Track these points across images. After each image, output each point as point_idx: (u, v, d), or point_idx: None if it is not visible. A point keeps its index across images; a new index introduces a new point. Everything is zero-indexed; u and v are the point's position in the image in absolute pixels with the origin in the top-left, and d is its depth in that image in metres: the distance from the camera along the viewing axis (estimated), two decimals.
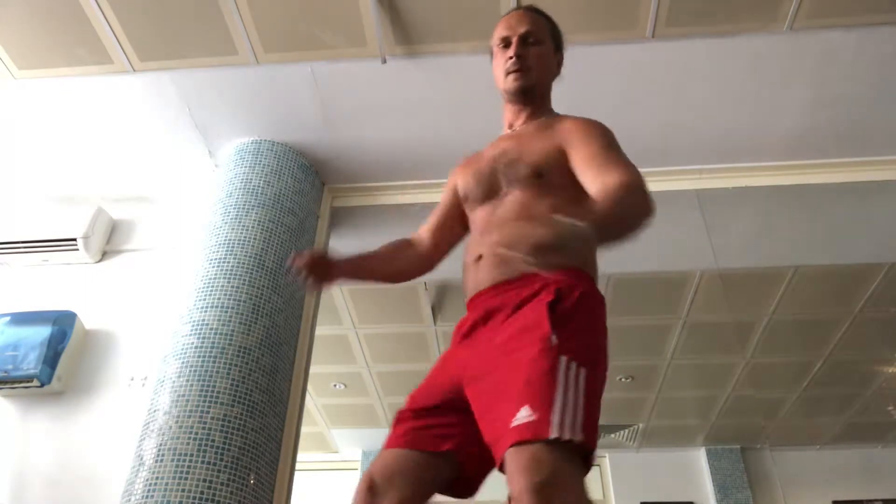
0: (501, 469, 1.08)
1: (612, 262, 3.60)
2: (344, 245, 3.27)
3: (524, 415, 1.05)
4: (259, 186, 2.76)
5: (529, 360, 1.12)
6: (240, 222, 2.65)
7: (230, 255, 2.55)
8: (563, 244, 1.05)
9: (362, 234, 3.27)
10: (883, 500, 5.54)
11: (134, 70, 2.66)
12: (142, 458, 2.15)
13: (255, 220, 2.65)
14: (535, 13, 1.63)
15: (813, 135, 2.86)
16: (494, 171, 1.47)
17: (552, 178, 1.40)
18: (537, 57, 1.56)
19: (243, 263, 2.53)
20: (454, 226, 1.62)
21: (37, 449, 2.53)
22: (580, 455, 1.05)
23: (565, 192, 1.38)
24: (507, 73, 1.54)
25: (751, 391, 5.06)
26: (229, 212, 2.70)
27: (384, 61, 2.57)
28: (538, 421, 1.03)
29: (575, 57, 2.58)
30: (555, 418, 1.03)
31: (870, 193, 3.14)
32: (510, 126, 1.60)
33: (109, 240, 3.06)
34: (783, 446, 5.85)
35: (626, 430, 5.71)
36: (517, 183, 1.42)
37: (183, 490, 2.04)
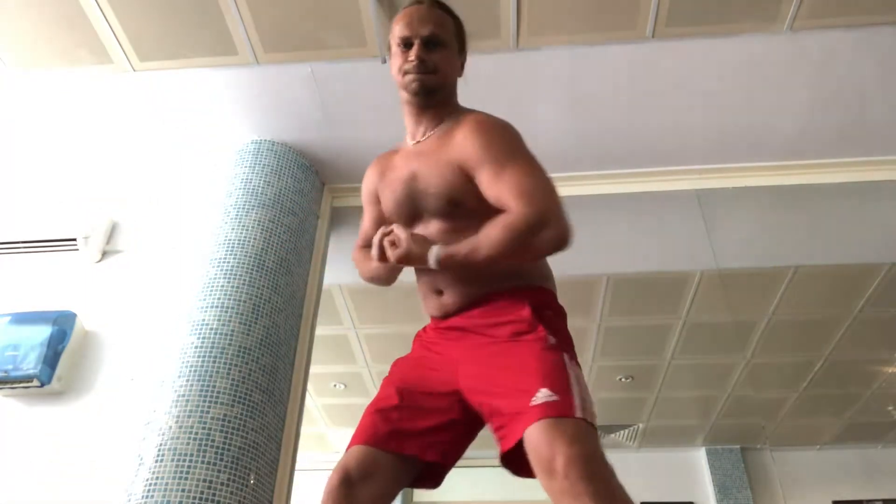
0: (503, 444, 1.17)
1: (612, 261, 3.63)
2: (344, 245, 3.27)
3: (545, 394, 1.12)
4: (259, 186, 2.76)
5: (535, 353, 1.21)
6: (240, 222, 2.65)
7: (230, 255, 2.55)
8: (409, 263, 1.29)
9: None
10: (883, 500, 5.54)
11: (134, 70, 2.66)
12: (142, 458, 2.15)
13: (255, 220, 2.65)
14: (439, 10, 1.50)
15: (813, 135, 2.86)
16: (409, 199, 1.41)
17: (467, 204, 1.34)
18: (440, 60, 1.44)
19: (243, 263, 2.53)
20: None
21: (37, 449, 2.53)
22: None
23: (483, 217, 1.27)
24: (406, 74, 1.43)
25: (751, 391, 5.06)
26: (229, 212, 2.70)
27: (384, 61, 2.57)
28: (561, 402, 1.12)
29: (575, 57, 2.59)
30: (576, 402, 1.13)
31: (870, 193, 3.14)
32: (414, 136, 1.49)
33: (109, 240, 3.06)
34: (783, 446, 5.85)
35: (626, 430, 5.71)
36: (435, 214, 1.38)
37: (183, 490, 2.03)
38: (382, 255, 1.30)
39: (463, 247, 1.25)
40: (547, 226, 1.22)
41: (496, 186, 1.29)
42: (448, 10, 1.52)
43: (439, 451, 1.28)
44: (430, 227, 1.38)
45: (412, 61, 1.42)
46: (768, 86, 2.68)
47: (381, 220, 1.52)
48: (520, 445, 1.17)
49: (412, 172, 1.42)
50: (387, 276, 1.49)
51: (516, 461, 1.20)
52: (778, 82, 2.67)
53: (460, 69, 1.54)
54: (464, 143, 1.35)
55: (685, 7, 2.41)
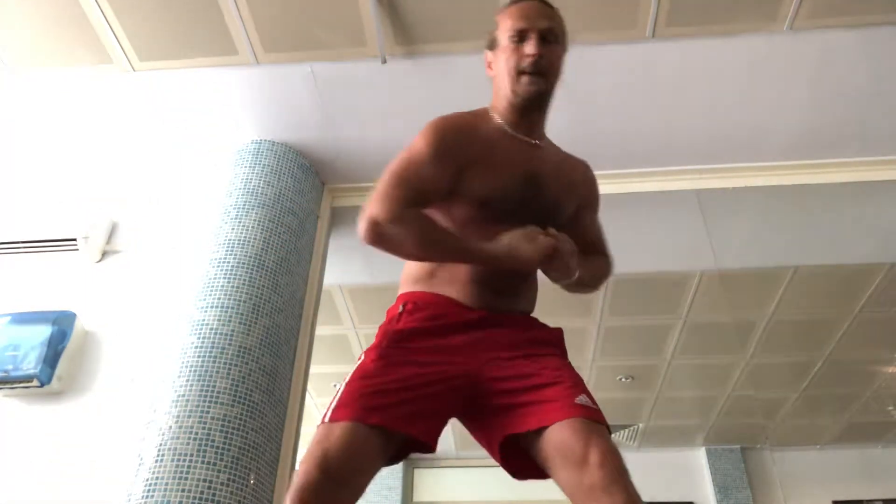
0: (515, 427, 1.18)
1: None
2: (344, 245, 3.27)
3: (585, 400, 1.17)
4: (259, 186, 2.76)
5: (566, 366, 1.28)
6: (240, 222, 2.65)
7: (230, 255, 2.55)
8: (559, 267, 1.28)
9: None
10: (883, 500, 5.54)
11: (134, 70, 2.66)
12: (142, 458, 2.15)
13: (255, 220, 2.65)
14: (552, 8, 1.43)
15: (813, 135, 2.86)
16: (529, 197, 1.33)
17: (562, 227, 1.36)
18: (555, 59, 1.39)
19: (243, 263, 2.53)
20: (438, 201, 1.34)
21: (37, 449, 2.53)
22: None
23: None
24: (522, 74, 1.34)
25: (751, 391, 5.06)
26: (229, 212, 2.70)
27: (384, 61, 2.57)
28: (598, 411, 1.17)
29: (575, 57, 2.59)
30: (604, 417, 1.18)
31: (870, 193, 3.14)
32: (516, 127, 1.39)
33: (109, 240, 3.06)
34: (783, 446, 5.85)
35: (626, 430, 5.71)
36: (538, 221, 1.30)
37: (183, 490, 2.03)
38: (552, 256, 1.23)
39: (587, 270, 1.38)
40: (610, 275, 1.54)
41: (594, 232, 1.55)
42: (558, 11, 1.45)
43: (436, 435, 1.21)
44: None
45: (530, 56, 1.33)
46: (768, 86, 2.68)
47: (447, 187, 1.31)
48: (516, 443, 1.17)
49: (536, 172, 1.36)
50: (523, 266, 1.28)
51: (513, 451, 1.21)
52: (778, 82, 2.67)
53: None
54: (589, 185, 1.55)
55: (685, 7, 2.41)
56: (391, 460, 1.22)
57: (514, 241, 1.24)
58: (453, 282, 1.31)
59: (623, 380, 4.99)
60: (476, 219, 1.32)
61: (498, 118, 1.41)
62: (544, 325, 1.37)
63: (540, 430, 1.14)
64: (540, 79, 1.35)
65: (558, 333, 1.36)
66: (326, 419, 1.15)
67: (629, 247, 3.54)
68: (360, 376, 1.21)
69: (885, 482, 5.57)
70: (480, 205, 1.31)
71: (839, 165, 2.98)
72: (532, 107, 1.39)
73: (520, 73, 1.35)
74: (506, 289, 1.33)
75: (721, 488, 5.66)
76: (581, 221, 1.48)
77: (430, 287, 1.32)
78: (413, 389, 1.18)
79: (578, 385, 1.21)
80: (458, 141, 1.33)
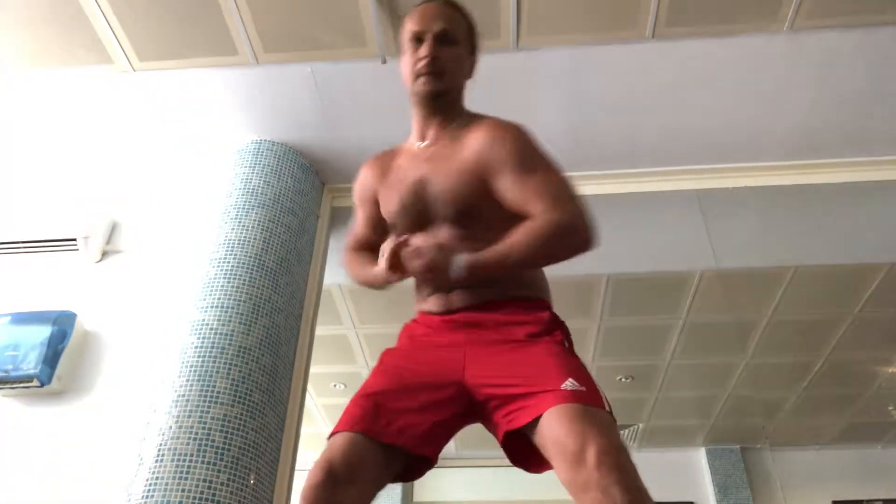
0: (509, 423, 1.16)
1: (612, 262, 3.64)
2: (344, 245, 3.27)
3: (572, 384, 1.12)
4: (259, 186, 2.76)
5: (555, 351, 1.22)
6: (240, 222, 2.65)
7: (230, 255, 2.55)
8: (441, 273, 1.21)
9: None
10: (883, 500, 5.54)
11: (134, 70, 2.66)
12: (142, 458, 2.15)
13: (255, 220, 2.65)
14: (452, 8, 1.45)
15: (813, 135, 2.86)
16: (418, 204, 1.37)
17: (481, 210, 1.33)
18: (452, 59, 1.40)
19: (243, 263, 2.53)
20: (383, 232, 1.46)
21: (37, 449, 2.53)
22: None
23: (497, 227, 1.27)
24: (418, 76, 1.39)
25: (751, 391, 5.06)
26: (229, 212, 2.70)
27: (384, 61, 2.57)
28: (588, 392, 1.13)
29: (575, 57, 2.59)
30: (602, 396, 1.14)
31: (870, 193, 3.14)
32: (422, 137, 1.45)
33: (109, 240, 3.06)
34: (783, 446, 5.85)
35: (626, 430, 5.71)
36: (446, 220, 1.34)
37: (183, 490, 2.03)
38: (395, 266, 1.22)
39: (490, 255, 1.21)
40: (575, 229, 1.24)
41: (521, 191, 1.28)
42: (461, 11, 1.47)
43: (432, 446, 1.23)
44: (440, 234, 1.33)
45: (423, 58, 1.38)
46: (768, 86, 2.68)
47: (376, 223, 1.50)
48: (523, 435, 1.16)
49: (422, 177, 1.38)
50: (384, 283, 1.34)
51: (516, 448, 1.20)
52: (778, 82, 2.67)
53: (470, 71, 1.49)
54: (483, 147, 1.33)
55: (685, 7, 2.41)
56: (399, 477, 1.26)
57: (376, 266, 1.32)
58: (422, 295, 1.40)
59: (623, 380, 4.99)
60: (398, 237, 1.36)
61: (411, 135, 1.50)
62: (529, 310, 1.30)
63: (533, 423, 1.12)
64: (434, 79, 1.38)
65: (543, 317, 1.29)
66: (336, 430, 1.22)
67: (629, 247, 3.55)
68: (361, 389, 1.28)
69: (885, 482, 5.58)
70: (392, 226, 1.44)
71: (839, 165, 2.98)
72: (431, 107, 1.43)
73: (416, 74, 1.40)
74: (455, 284, 1.30)
75: (721, 488, 5.66)
76: (501, 193, 1.31)
77: (419, 305, 1.42)
78: (400, 402, 1.23)
79: (565, 368, 1.16)
80: (364, 181, 1.53)
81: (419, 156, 1.43)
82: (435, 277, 1.23)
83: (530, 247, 1.22)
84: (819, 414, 5.39)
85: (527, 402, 1.14)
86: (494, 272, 1.25)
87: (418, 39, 1.41)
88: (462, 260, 1.20)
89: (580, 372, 1.17)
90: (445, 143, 1.41)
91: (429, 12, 1.43)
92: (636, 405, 5.35)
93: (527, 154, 1.32)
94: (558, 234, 1.23)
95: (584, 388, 1.12)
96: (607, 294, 3.98)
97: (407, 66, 1.43)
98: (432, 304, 1.35)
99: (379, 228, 1.50)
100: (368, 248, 1.52)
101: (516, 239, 1.22)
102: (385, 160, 1.50)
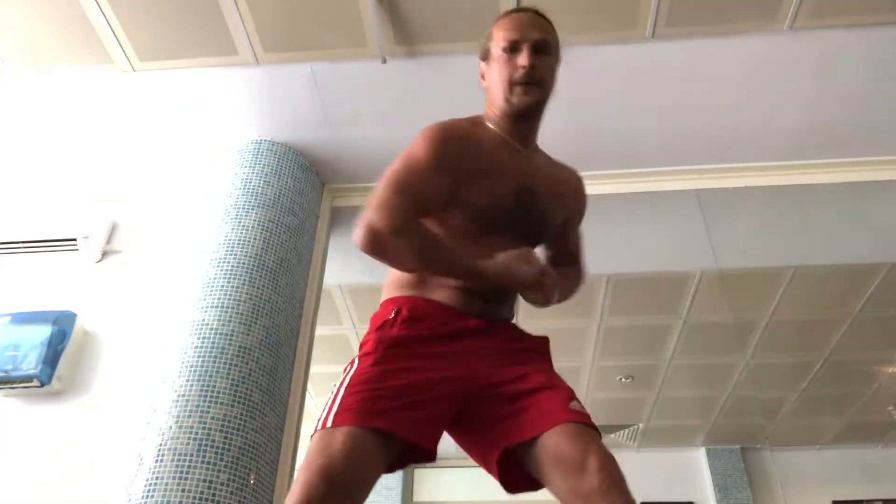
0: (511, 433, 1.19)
1: (612, 262, 3.63)
2: (344, 245, 3.27)
3: (578, 406, 1.19)
4: (259, 186, 2.76)
5: (552, 371, 1.30)
6: (240, 222, 2.65)
7: (230, 255, 2.55)
8: (549, 290, 1.29)
9: None
10: (883, 500, 5.54)
11: (134, 70, 2.66)
12: (142, 458, 2.15)
13: (255, 220, 2.65)
14: (546, 20, 1.44)
15: (813, 135, 2.86)
16: (520, 208, 1.34)
17: (548, 238, 1.49)
18: (548, 70, 1.40)
19: (243, 263, 2.53)
20: (437, 209, 1.34)
21: (37, 449, 2.53)
22: None
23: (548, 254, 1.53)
24: (516, 84, 1.35)
25: (751, 391, 5.06)
26: (229, 212, 2.70)
27: (384, 61, 2.57)
28: (589, 416, 1.19)
29: (575, 57, 2.59)
30: (593, 423, 1.19)
31: (870, 193, 3.14)
32: (509, 134, 1.41)
33: (109, 240, 3.06)
34: (783, 446, 5.85)
35: (626, 430, 5.71)
36: (526, 230, 1.37)
37: (183, 490, 2.04)
38: (541, 287, 1.27)
39: (566, 286, 1.41)
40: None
41: (575, 242, 1.56)
42: (551, 23, 1.45)
43: (429, 437, 1.19)
44: (516, 243, 1.32)
45: (523, 67, 1.34)
46: (768, 86, 2.68)
47: (446, 197, 1.31)
48: (511, 458, 1.18)
49: (529, 184, 1.36)
50: (453, 275, 1.28)
51: (508, 469, 1.21)
52: (778, 82, 2.67)
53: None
54: (578, 195, 1.54)
55: (685, 7, 2.41)
56: (389, 468, 1.21)
57: (510, 262, 1.25)
58: (444, 287, 1.30)
59: (623, 380, 4.98)
60: (470, 229, 1.32)
61: (494, 127, 1.42)
62: (529, 334, 1.38)
63: (535, 438, 1.15)
64: (534, 89, 1.37)
65: (544, 342, 1.37)
66: (327, 425, 1.12)
67: (629, 247, 3.55)
68: (359, 381, 1.18)
69: (885, 482, 5.58)
70: (475, 216, 1.32)
71: (839, 165, 2.98)
72: (526, 117, 1.41)
73: (513, 83, 1.36)
74: (495, 297, 1.34)
75: (721, 488, 5.66)
76: (565, 232, 1.52)
77: (421, 292, 1.31)
78: (414, 395, 1.17)
79: (569, 390, 1.23)
80: (458, 150, 1.33)
81: (522, 161, 1.40)
82: (545, 302, 1.30)
83: (573, 289, 1.50)
84: (819, 414, 5.39)
85: (535, 415, 1.17)
86: (558, 299, 1.36)
87: (514, 48, 1.37)
88: (556, 289, 1.31)
89: (575, 394, 1.24)
90: (543, 162, 1.47)
91: (525, 21, 1.41)
92: (636, 405, 5.35)
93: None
94: (579, 287, 1.54)
95: (585, 411, 1.19)
96: (607, 294, 3.98)
97: (501, 74, 1.38)
98: (464, 302, 1.30)
99: (440, 205, 1.32)
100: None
101: (571, 280, 1.49)
102: (473, 138, 1.37)
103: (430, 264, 1.28)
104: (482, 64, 1.47)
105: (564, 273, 1.46)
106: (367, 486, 1.12)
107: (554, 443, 1.13)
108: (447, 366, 1.23)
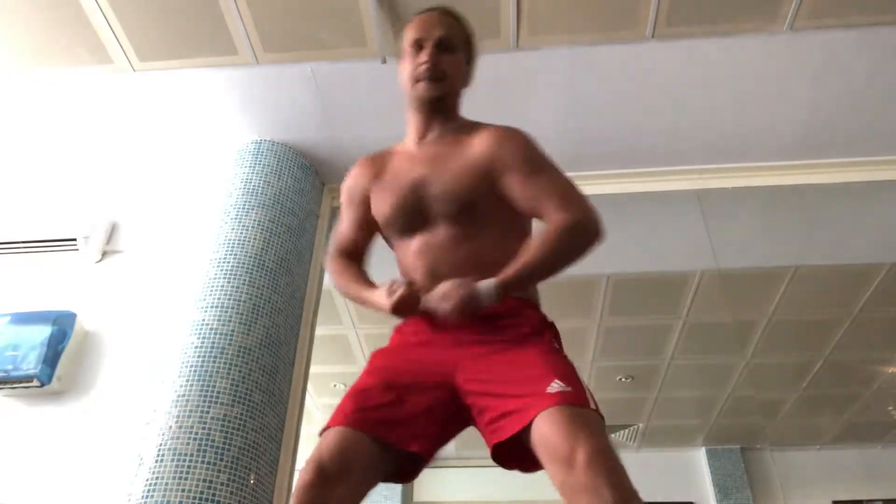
0: (503, 431, 1.16)
1: (612, 262, 3.63)
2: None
3: (559, 385, 1.13)
4: (259, 186, 2.76)
5: (543, 353, 1.24)
6: (240, 222, 2.65)
7: (230, 255, 2.55)
8: (475, 307, 1.22)
9: None
10: (883, 500, 5.54)
11: (134, 70, 2.66)
12: (142, 458, 2.15)
13: (255, 220, 2.65)
14: (452, 17, 1.51)
15: (813, 135, 2.86)
16: (417, 203, 1.37)
17: (481, 209, 1.36)
18: (451, 65, 1.45)
19: (243, 263, 2.53)
20: (370, 235, 1.52)
21: (37, 449, 2.53)
22: None
23: (495, 227, 1.35)
24: (418, 81, 1.43)
25: (751, 391, 5.06)
26: (229, 212, 2.70)
27: (384, 61, 2.57)
28: (575, 393, 1.13)
29: (575, 57, 2.59)
30: (588, 395, 1.15)
31: (870, 193, 3.14)
32: (417, 139, 1.48)
33: (109, 240, 3.06)
34: (783, 446, 5.85)
35: (626, 430, 5.71)
36: (445, 219, 1.36)
37: (183, 490, 2.04)
38: (404, 310, 1.28)
39: (518, 270, 1.25)
40: (588, 226, 1.30)
41: (530, 189, 1.34)
42: (461, 20, 1.52)
43: (422, 443, 1.22)
44: (437, 235, 1.36)
45: (423, 63, 1.42)
46: (768, 86, 2.68)
47: (364, 225, 1.50)
48: (513, 439, 1.16)
49: (421, 177, 1.40)
50: (361, 304, 1.44)
51: (507, 453, 1.20)
52: (778, 82, 2.67)
53: (467, 79, 1.53)
54: (491, 148, 1.38)
55: (685, 7, 2.41)
56: (391, 477, 1.27)
57: (377, 294, 1.34)
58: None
59: (623, 380, 4.99)
60: (392, 239, 1.46)
61: (407, 137, 1.51)
62: (519, 312, 1.31)
63: (523, 431, 1.13)
64: (434, 84, 1.42)
65: (533, 319, 1.32)
66: (328, 427, 1.23)
67: (629, 247, 3.55)
68: (354, 387, 1.29)
69: (885, 482, 5.57)
70: (385, 227, 1.45)
71: (839, 165, 2.98)
72: (430, 112, 1.46)
73: (416, 79, 1.43)
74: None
75: (721, 488, 5.66)
76: (508, 192, 1.35)
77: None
78: (391, 399, 1.24)
79: (552, 370, 1.17)
80: (355, 181, 1.52)
81: (417, 157, 1.46)
82: (469, 314, 1.23)
83: (553, 253, 1.28)
84: (819, 414, 5.39)
85: (513, 410, 1.15)
86: (525, 286, 1.30)
87: (419, 46, 1.45)
88: (491, 286, 1.22)
89: (567, 372, 1.19)
90: (445, 145, 1.43)
91: (429, 20, 1.48)
92: (636, 405, 5.35)
93: (534, 155, 1.38)
94: (574, 233, 1.29)
95: (570, 389, 1.13)
96: (607, 294, 3.98)
97: (407, 71, 1.47)
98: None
99: (366, 231, 1.51)
100: (355, 253, 1.53)
101: (538, 248, 1.27)
102: (378, 161, 1.51)
103: (345, 295, 1.48)
104: (400, 64, 1.52)
105: (527, 250, 1.29)
106: (359, 479, 1.18)
107: (540, 433, 1.10)
108: (423, 368, 1.28)
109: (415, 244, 1.39)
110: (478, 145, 1.39)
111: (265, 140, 2.91)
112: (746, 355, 4.65)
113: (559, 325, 1.39)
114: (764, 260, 3.69)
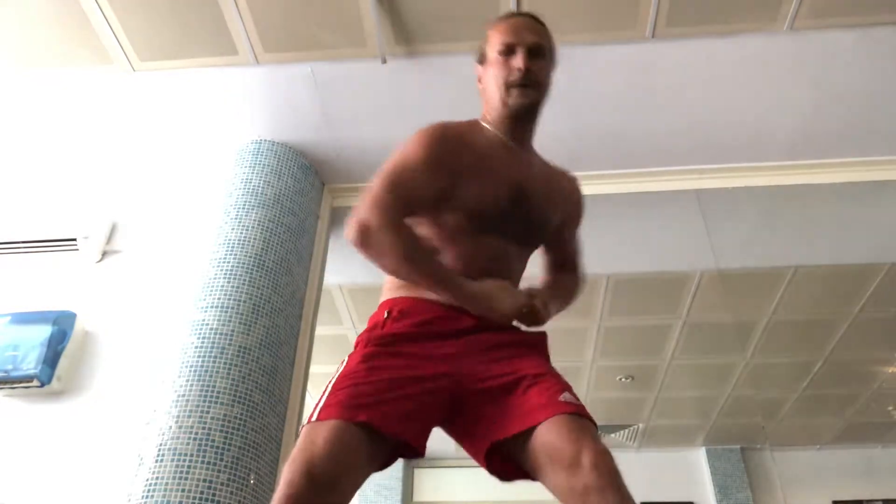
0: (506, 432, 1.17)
1: (612, 262, 3.63)
2: (344, 245, 3.27)
3: (569, 397, 1.17)
4: (259, 186, 2.76)
5: (547, 365, 1.29)
6: (240, 222, 2.65)
7: (230, 255, 2.55)
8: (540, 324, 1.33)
9: None
10: (883, 501, 5.54)
11: (134, 70, 2.66)
12: (142, 458, 2.15)
13: (255, 220, 2.65)
14: (541, 24, 1.47)
15: (813, 135, 2.86)
16: (515, 207, 1.34)
17: (544, 243, 1.51)
18: (543, 72, 1.42)
19: (243, 263, 2.53)
20: (436, 211, 1.35)
21: (37, 449, 2.53)
22: None
23: (529, 254, 1.48)
24: (512, 87, 1.37)
25: (751, 391, 5.06)
26: (229, 212, 2.70)
27: (384, 61, 2.57)
28: (583, 407, 1.17)
29: (575, 57, 2.59)
30: (589, 415, 1.17)
31: (870, 193, 3.14)
32: (509, 136, 1.42)
33: (109, 240, 3.06)
34: (783, 446, 5.85)
35: (626, 430, 5.71)
36: (525, 233, 1.40)
37: (183, 490, 2.03)
38: (529, 320, 1.32)
39: (558, 300, 1.43)
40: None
41: (574, 247, 1.56)
42: (546, 28, 1.47)
43: (416, 433, 1.18)
44: (511, 245, 1.38)
45: (519, 70, 1.36)
46: (768, 86, 2.68)
47: (439, 197, 1.32)
48: (506, 441, 1.15)
49: (524, 183, 1.37)
50: (431, 285, 1.28)
51: (498, 461, 1.21)
52: (778, 82, 2.67)
53: (551, 89, 1.48)
54: (578, 203, 1.54)
55: (685, 7, 2.41)
56: (381, 466, 1.21)
57: (494, 291, 1.27)
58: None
59: (623, 380, 4.98)
60: (466, 229, 1.33)
61: (491, 128, 1.43)
62: (525, 329, 1.37)
63: (525, 433, 1.13)
64: (529, 91, 1.39)
65: (541, 337, 1.37)
66: (313, 419, 1.14)
67: (629, 247, 3.55)
68: (346, 377, 1.20)
69: (885, 482, 5.58)
70: (471, 215, 1.33)
71: (839, 165, 2.98)
72: (522, 119, 1.42)
73: (509, 86, 1.38)
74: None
75: (721, 488, 5.66)
76: (562, 236, 1.52)
77: (415, 293, 1.31)
78: (400, 390, 1.18)
79: (561, 383, 1.21)
80: (452, 149, 1.34)
81: (518, 161, 1.41)
82: (539, 322, 1.34)
83: (569, 301, 1.50)
84: (819, 414, 5.39)
85: (525, 409, 1.15)
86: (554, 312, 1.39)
87: (510, 50, 1.40)
88: (550, 308, 1.35)
89: (569, 387, 1.22)
90: (540, 164, 1.48)
91: (521, 24, 1.44)
92: (636, 405, 5.35)
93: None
94: (577, 294, 1.54)
95: (578, 403, 1.17)
96: (607, 294, 3.98)
97: (497, 76, 1.40)
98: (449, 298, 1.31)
99: (433, 204, 1.33)
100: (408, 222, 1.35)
101: (568, 290, 1.51)
102: (468, 138, 1.38)
103: (413, 266, 1.27)
104: (479, 67, 1.49)
105: (561, 283, 1.50)
106: (351, 481, 1.11)
107: (546, 438, 1.11)
108: (436, 364, 1.23)
109: (488, 245, 1.33)
110: (570, 190, 1.52)
111: (265, 140, 2.91)
112: (746, 355, 4.65)
113: (559, 325, 1.41)
114: (764, 260, 3.69)
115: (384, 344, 1.26)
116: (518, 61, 1.37)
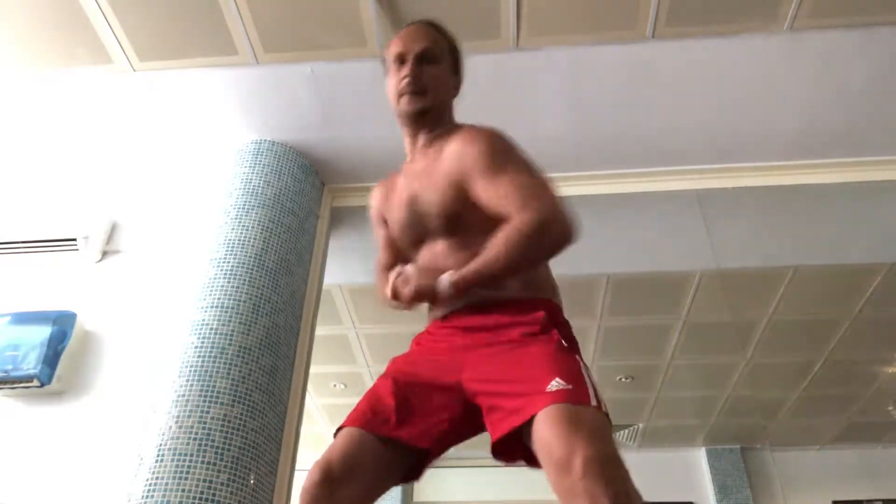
0: (502, 431, 1.15)
1: (612, 262, 3.63)
2: (344, 245, 3.27)
3: (558, 383, 1.11)
4: (259, 186, 2.76)
5: (548, 351, 1.21)
6: (240, 222, 2.65)
7: (230, 255, 2.55)
8: (422, 300, 1.30)
9: (362, 235, 3.26)
10: (883, 500, 5.54)
11: (134, 70, 2.66)
12: (142, 458, 2.15)
13: (255, 220, 2.65)
14: (433, 29, 1.52)
15: (813, 135, 2.86)
16: (412, 221, 1.44)
17: (468, 218, 1.35)
18: (433, 77, 1.45)
19: (243, 263, 2.53)
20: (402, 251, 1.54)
21: (37, 449, 2.53)
22: None
23: (485, 232, 1.27)
24: (402, 94, 1.44)
25: (751, 391, 5.06)
26: (229, 212, 2.70)
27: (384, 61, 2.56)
28: (575, 391, 1.11)
29: (575, 57, 2.59)
30: (590, 391, 1.13)
31: (870, 193, 3.14)
32: (409, 155, 1.52)
33: (109, 240, 3.06)
34: (783, 446, 5.85)
35: (626, 430, 5.71)
36: (438, 233, 1.40)
37: (183, 490, 2.04)
38: (396, 295, 1.29)
39: (473, 268, 1.24)
40: (551, 225, 1.22)
41: (493, 194, 1.29)
42: (442, 31, 1.54)
43: (432, 440, 1.24)
44: (436, 247, 1.40)
45: (405, 77, 1.43)
46: (768, 86, 2.68)
47: (394, 244, 1.55)
48: (514, 435, 1.15)
49: (412, 194, 1.44)
50: (407, 306, 1.35)
51: (510, 449, 1.20)
52: (778, 82, 2.67)
53: (454, 89, 1.54)
54: (455, 156, 1.36)
55: (685, 7, 2.41)
56: (408, 476, 1.30)
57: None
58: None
59: (623, 380, 4.98)
60: (407, 253, 1.49)
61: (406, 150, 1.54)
62: (525, 310, 1.29)
63: (524, 427, 1.12)
64: (416, 97, 1.44)
65: (538, 316, 1.27)
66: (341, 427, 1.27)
67: (629, 247, 3.55)
68: (368, 391, 1.32)
69: (885, 482, 5.58)
70: (397, 242, 1.52)
71: (839, 165, 2.98)
72: (417, 122, 1.47)
73: (400, 94, 1.45)
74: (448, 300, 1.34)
75: (721, 488, 5.66)
76: (478, 199, 1.32)
77: (430, 313, 1.45)
78: (404, 400, 1.26)
79: (555, 368, 1.15)
80: (375, 205, 1.60)
81: (409, 173, 1.49)
82: (425, 299, 1.30)
83: (509, 253, 1.22)
84: (819, 414, 5.39)
85: (512, 407, 1.14)
86: (481, 284, 1.26)
87: (401, 60, 1.47)
88: (446, 279, 1.25)
89: (571, 370, 1.16)
90: (429, 158, 1.45)
91: (410, 34, 1.50)
92: (636, 405, 5.35)
93: (496, 156, 1.32)
94: (533, 233, 1.22)
95: (569, 387, 1.10)
96: (607, 294, 3.98)
97: (391, 86, 1.49)
98: (437, 310, 1.41)
99: (396, 248, 1.55)
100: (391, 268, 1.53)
101: (494, 248, 1.23)
102: (389, 182, 1.57)
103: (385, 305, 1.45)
104: (386, 79, 1.54)
105: (491, 243, 1.26)
106: (366, 481, 1.20)
107: (539, 435, 1.08)
108: (439, 373, 1.29)
109: (420, 257, 1.44)
110: (448, 154, 1.38)
111: (265, 140, 2.91)
112: (746, 355, 4.65)
113: None
114: (764, 260, 3.69)
115: (404, 360, 1.41)
116: (405, 69, 1.45)
